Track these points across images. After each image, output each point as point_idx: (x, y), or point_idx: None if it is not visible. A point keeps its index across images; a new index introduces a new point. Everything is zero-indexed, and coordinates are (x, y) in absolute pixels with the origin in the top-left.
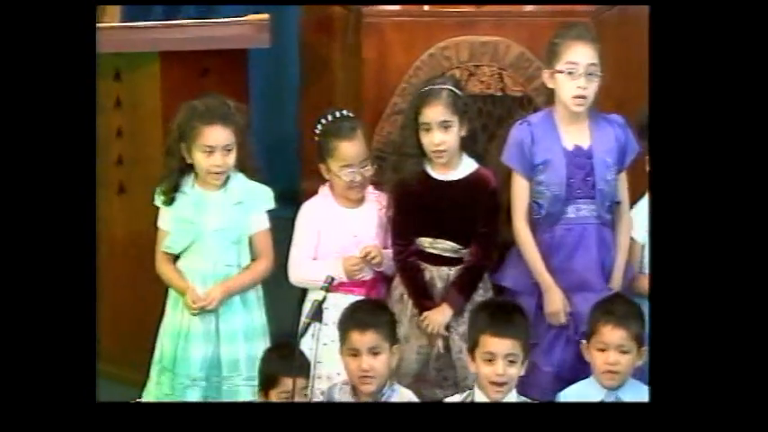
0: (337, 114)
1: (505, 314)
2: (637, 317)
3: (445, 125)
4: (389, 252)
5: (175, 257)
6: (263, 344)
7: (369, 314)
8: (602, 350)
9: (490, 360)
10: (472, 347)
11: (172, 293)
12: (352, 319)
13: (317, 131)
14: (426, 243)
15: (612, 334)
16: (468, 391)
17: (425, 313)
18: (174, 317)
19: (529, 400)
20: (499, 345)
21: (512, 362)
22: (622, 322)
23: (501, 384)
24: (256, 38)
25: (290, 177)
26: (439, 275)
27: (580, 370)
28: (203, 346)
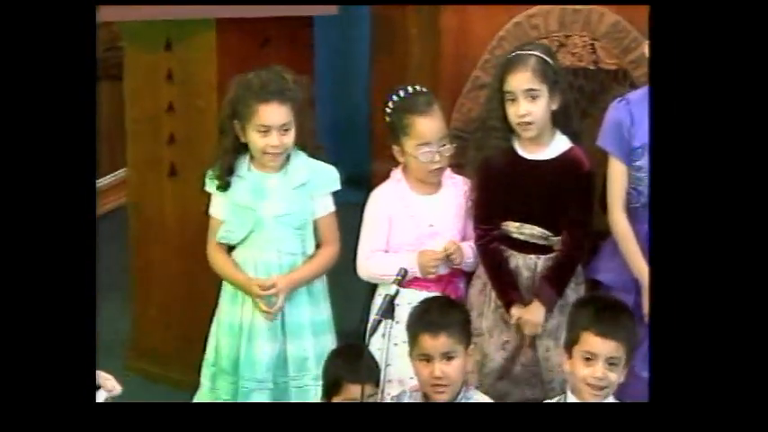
0: (410, 90)
1: (612, 313)
2: None
3: (532, 94)
4: (468, 246)
5: (229, 247)
6: (330, 340)
7: (440, 315)
8: None
9: (589, 359)
10: (571, 344)
11: (227, 287)
12: (422, 321)
13: (388, 110)
14: (513, 228)
15: None
16: (559, 397)
17: (515, 312)
18: (233, 313)
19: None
20: (602, 345)
21: (612, 365)
22: None
23: (600, 388)
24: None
25: (361, 159)
26: (525, 264)
27: None
28: (269, 343)
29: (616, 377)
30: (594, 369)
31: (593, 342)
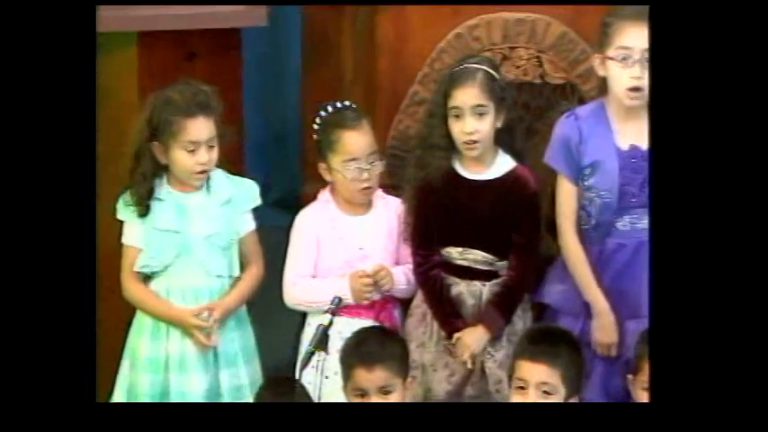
0: (338, 105)
1: (546, 338)
2: None
3: (479, 111)
4: (400, 271)
5: (145, 277)
6: (258, 368)
7: (376, 346)
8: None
9: (522, 388)
10: (509, 377)
11: (143, 320)
12: (357, 354)
13: (316, 126)
14: (455, 253)
15: None
16: None
17: (456, 335)
18: (156, 347)
19: None
20: (532, 370)
21: (546, 393)
22: None
23: None
24: (251, 15)
25: (291, 180)
26: (469, 291)
27: None
28: (203, 375)
29: None
30: (526, 397)
31: (524, 368)
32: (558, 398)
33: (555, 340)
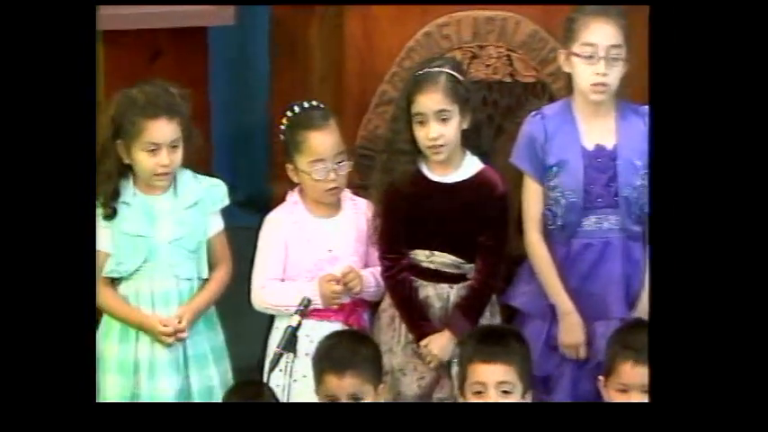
0: (305, 105)
1: (495, 338)
2: None
3: (443, 116)
4: (369, 273)
5: (113, 280)
6: (228, 367)
7: (347, 352)
8: (623, 391)
9: (480, 392)
10: (462, 383)
11: (111, 323)
12: (329, 359)
13: (283, 127)
14: (422, 257)
15: (633, 373)
16: None
17: (423, 342)
18: (125, 350)
19: None
20: (489, 372)
21: (506, 392)
22: (644, 358)
23: None
24: (218, 14)
25: (259, 180)
26: (437, 294)
27: None
28: (174, 377)
29: None
30: (487, 400)
31: (479, 371)
32: (515, 396)
33: (505, 338)
